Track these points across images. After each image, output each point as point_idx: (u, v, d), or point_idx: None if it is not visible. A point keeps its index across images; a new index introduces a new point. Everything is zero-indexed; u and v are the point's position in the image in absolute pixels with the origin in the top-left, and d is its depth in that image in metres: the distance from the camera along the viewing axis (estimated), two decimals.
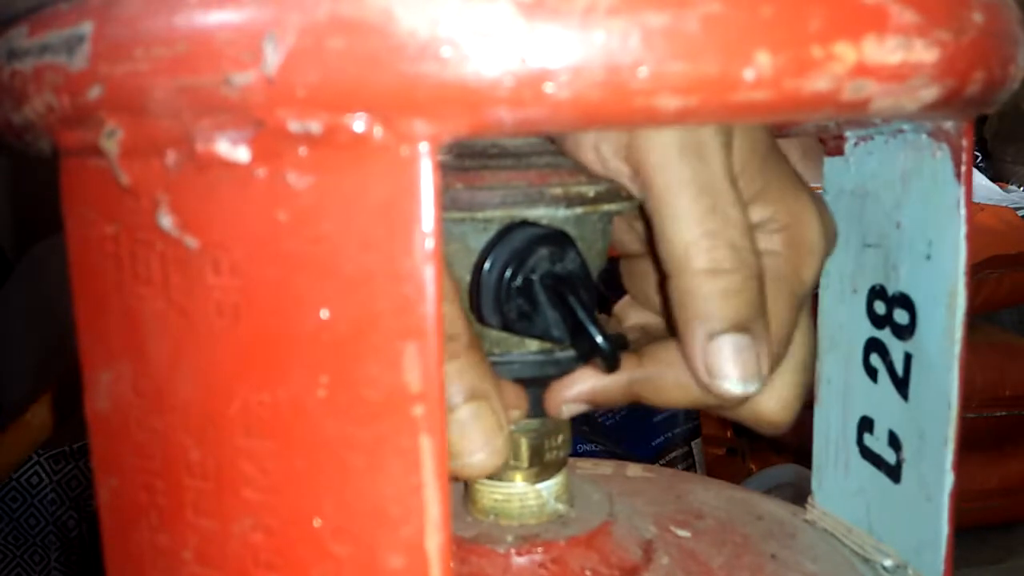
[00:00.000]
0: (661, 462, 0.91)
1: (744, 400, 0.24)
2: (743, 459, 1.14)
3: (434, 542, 0.17)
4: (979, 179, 1.75)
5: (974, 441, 1.27)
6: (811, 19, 0.17)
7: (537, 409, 0.27)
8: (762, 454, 1.22)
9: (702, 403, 0.25)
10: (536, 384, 0.27)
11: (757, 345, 0.23)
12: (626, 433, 0.88)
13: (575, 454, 0.71)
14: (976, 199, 1.54)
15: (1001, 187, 1.78)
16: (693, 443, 0.95)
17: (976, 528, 1.27)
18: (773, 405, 0.25)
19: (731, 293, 0.23)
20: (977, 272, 1.31)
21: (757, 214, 0.25)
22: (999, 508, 1.31)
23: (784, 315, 0.25)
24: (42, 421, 0.61)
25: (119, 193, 0.19)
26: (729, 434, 1.17)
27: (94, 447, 0.21)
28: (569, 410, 0.27)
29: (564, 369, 0.27)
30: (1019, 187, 1.86)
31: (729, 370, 0.23)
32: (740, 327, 0.23)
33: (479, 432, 0.23)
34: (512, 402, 0.26)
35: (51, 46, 0.18)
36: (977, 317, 1.39)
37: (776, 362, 0.25)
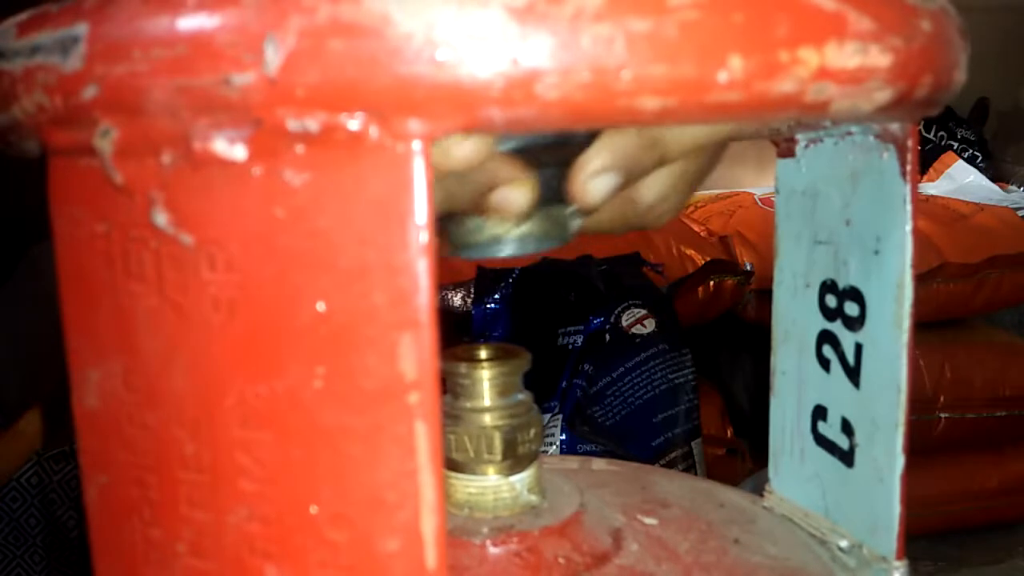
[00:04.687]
0: (661, 462, 0.88)
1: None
2: (743, 459, 1.11)
3: (429, 525, 0.18)
4: (979, 179, 1.73)
5: (974, 441, 1.26)
6: (779, 25, 0.18)
7: (549, 193, 0.25)
8: (762, 454, 1.21)
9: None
10: (546, 166, 0.25)
11: None
12: (626, 433, 0.87)
13: (575, 454, 0.70)
14: (976, 199, 1.52)
15: (1001, 187, 1.75)
16: (693, 443, 0.93)
17: (976, 528, 1.26)
18: (648, 194, 0.29)
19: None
20: (977, 272, 1.29)
21: None
22: (999, 508, 1.29)
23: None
24: (35, 430, 0.59)
25: (111, 192, 0.19)
26: (729, 434, 1.14)
27: (82, 444, 0.21)
28: (597, 186, 0.25)
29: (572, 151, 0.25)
30: (1019, 187, 1.82)
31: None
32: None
33: None
34: (516, 176, 0.24)
35: (43, 47, 0.19)
36: (977, 317, 1.37)
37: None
